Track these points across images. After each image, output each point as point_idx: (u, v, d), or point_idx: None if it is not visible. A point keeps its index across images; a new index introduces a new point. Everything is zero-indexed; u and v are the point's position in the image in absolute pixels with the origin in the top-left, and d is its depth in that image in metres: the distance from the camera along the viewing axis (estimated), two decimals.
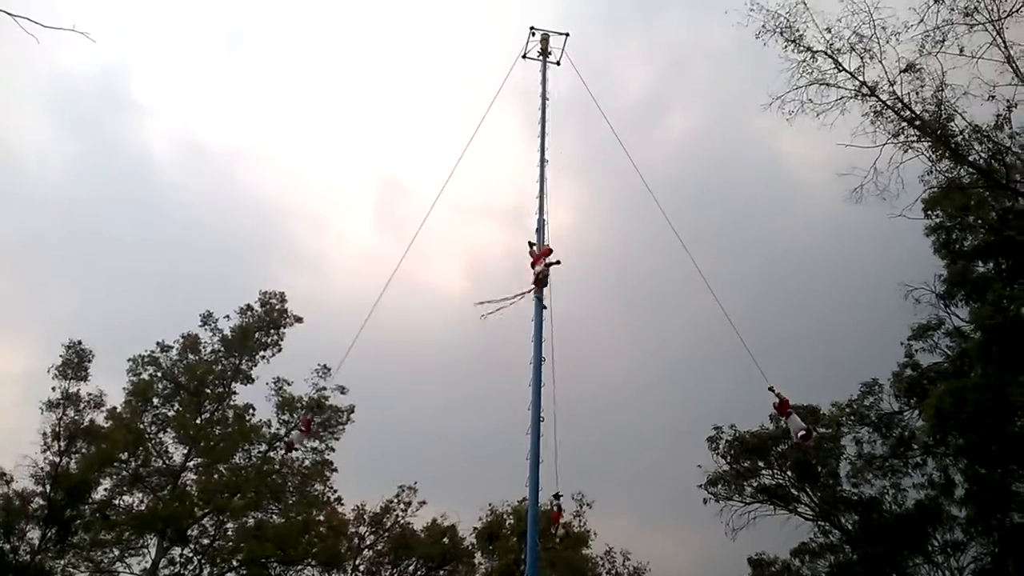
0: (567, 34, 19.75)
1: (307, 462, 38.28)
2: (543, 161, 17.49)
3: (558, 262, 15.66)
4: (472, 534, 41.89)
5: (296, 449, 19.32)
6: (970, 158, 24.41)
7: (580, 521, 41.26)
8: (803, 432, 16.67)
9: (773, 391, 16.42)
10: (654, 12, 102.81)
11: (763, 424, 39.60)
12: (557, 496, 16.47)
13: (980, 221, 31.05)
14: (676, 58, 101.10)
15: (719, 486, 39.36)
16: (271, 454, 38.20)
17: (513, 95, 20.41)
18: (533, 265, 15.77)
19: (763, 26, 24.22)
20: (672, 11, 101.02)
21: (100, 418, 35.89)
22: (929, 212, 30.91)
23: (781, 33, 24.19)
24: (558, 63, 19.59)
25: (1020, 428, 27.66)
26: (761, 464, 39.45)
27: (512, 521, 40.60)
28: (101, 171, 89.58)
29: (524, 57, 19.51)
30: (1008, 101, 23.39)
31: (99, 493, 35.27)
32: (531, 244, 16.17)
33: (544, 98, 18.54)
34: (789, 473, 39.08)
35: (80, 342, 36.07)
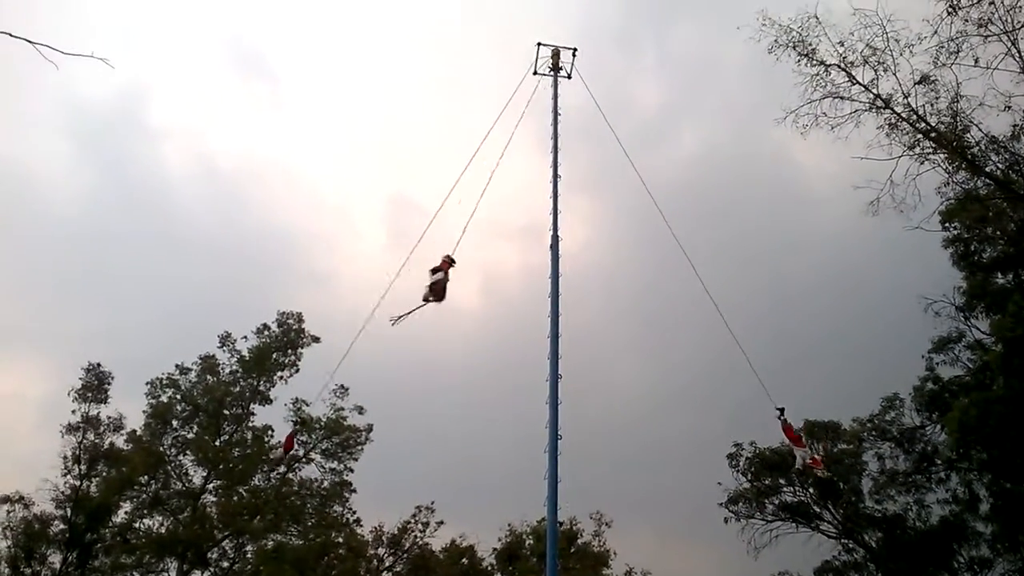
0: (575, 49, 19.76)
1: (326, 483, 38.27)
2: (556, 177, 17.51)
3: (452, 263, 15.92)
4: (492, 555, 41.70)
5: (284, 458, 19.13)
6: (987, 169, 24.24)
7: (599, 540, 40.99)
8: (809, 461, 16.43)
9: (782, 415, 16.32)
10: (666, 28, 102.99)
11: (783, 440, 39.20)
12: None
13: (999, 232, 30.85)
14: (689, 73, 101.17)
15: (740, 504, 39.01)
16: (289, 476, 38.25)
17: (526, 112, 20.48)
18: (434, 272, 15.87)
19: (775, 40, 24.23)
20: (684, 27, 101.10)
21: (120, 441, 36.25)
22: (946, 224, 30.73)
23: (794, 47, 24.17)
24: (569, 76, 19.65)
25: None
26: (782, 481, 39.09)
27: (532, 541, 40.35)
28: (118, 194, 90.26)
29: (535, 73, 19.55)
30: None
31: (120, 516, 35.55)
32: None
33: (556, 113, 18.57)
34: (811, 490, 38.70)
35: (99, 364, 36.50)
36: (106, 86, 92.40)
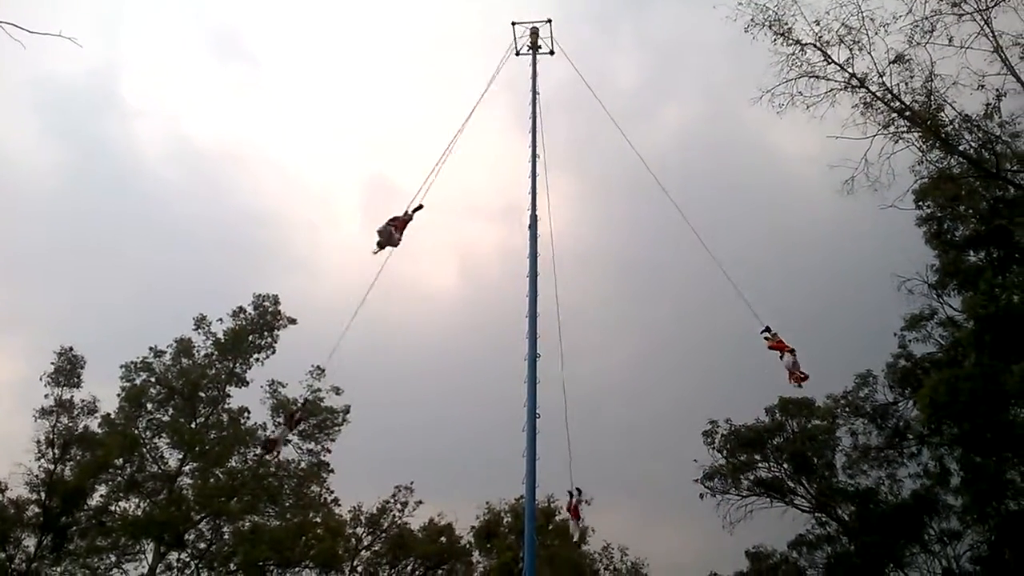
0: (549, 20, 19.62)
1: (303, 464, 38.17)
2: (534, 156, 17.50)
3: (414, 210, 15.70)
4: (470, 533, 41.90)
5: (275, 452, 18.50)
6: (960, 148, 24.38)
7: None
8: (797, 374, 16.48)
9: (768, 333, 16.49)
10: (643, 7, 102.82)
11: (759, 417, 39.73)
12: (577, 492, 16.57)
13: (971, 211, 31.13)
14: (666, 52, 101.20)
15: (716, 480, 39.49)
16: (267, 457, 38.07)
17: (503, 91, 20.34)
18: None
19: (752, 20, 24.21)
20: (661, 6, 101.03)
21: (94, 424, 35.80)
22: (920, 202, 30.95)
23: (770, 26, 24.16)
24: (552, 52, 19.53)
25: (1014, 416, 27.79)
26: (757, 457, 39.59)
27: (510, 519, 40.60)
28: (90, 174, 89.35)
29: (518, 54, 19.42)
30: (997, 90, 23.37)
31: (95, 500, 35.18)
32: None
33: (535, 92, 18.52)
34: (785, 466, 39.22)
35: (72, 348, 36.00)
36: (77, 65, 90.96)
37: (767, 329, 16.70)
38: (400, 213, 15.59)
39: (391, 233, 15.23)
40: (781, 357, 16.36)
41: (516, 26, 19.60)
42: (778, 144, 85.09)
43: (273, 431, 15.58)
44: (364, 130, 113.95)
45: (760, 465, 39.70)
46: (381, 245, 15.16)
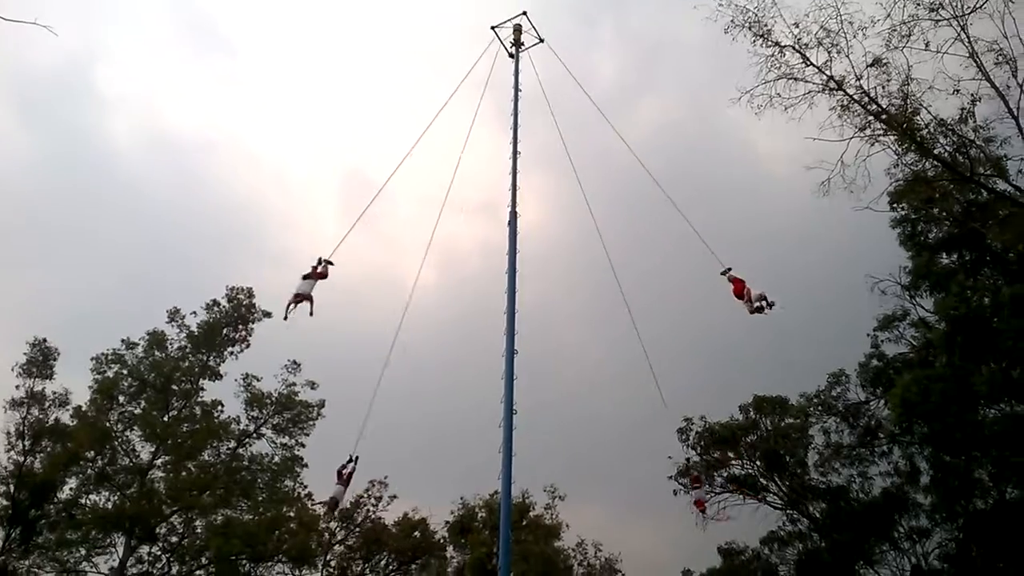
0: (524, 12, 19.58)
1: (276, 458, 37.97)
2: (515, 154, 17.47)
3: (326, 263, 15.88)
4: (444, 528, 41.88)
5: (336, 510, 18.51)
6: (935, 151, 24.65)
7: (552, 514, 41.40)
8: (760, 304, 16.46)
9: (729, 273, 16.51)
10: (623, 6, 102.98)
11: (732, 415, 40.02)
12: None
13: (945, 213, 31.47)
14: (646, 51, 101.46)
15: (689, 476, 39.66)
16: (240, 451, 37.88)
17: (484, 87, 20.28)
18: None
19: (732, 21, 24.33)
20: (641, 4, 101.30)
21: (65, 416, 35.50)
22: (895, 205, 31.23)
23: (750, 28, 24.29)
24: (541, 40, 19.53)
25: (983, 416, 28.19)
26: (731, 455, 39.84)
27: (484, 514, 40.60)
28: (65, 164, 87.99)
29: (511, 56, 19.42)
30: (972, 95, 23.72)
31: (65, 492, 34.93)
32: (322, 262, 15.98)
33: (516, 89, 18.50)
34: (758, 463, 39.51)
35: (45, 339, 35.62)
36: (54, 54, 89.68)
37: (728, 270, 16.73)
38: (315, 265, 15.82)
39: (308, 290, 15.44)
40: (742, 296, 16.30)
41: (497, 29, 19.61)
42: (755, 145, 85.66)
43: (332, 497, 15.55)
44: (342, 123, 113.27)
45: (733, 462, 39.97)
46: (299, 299, 15.42)
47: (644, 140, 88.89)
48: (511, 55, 19.40)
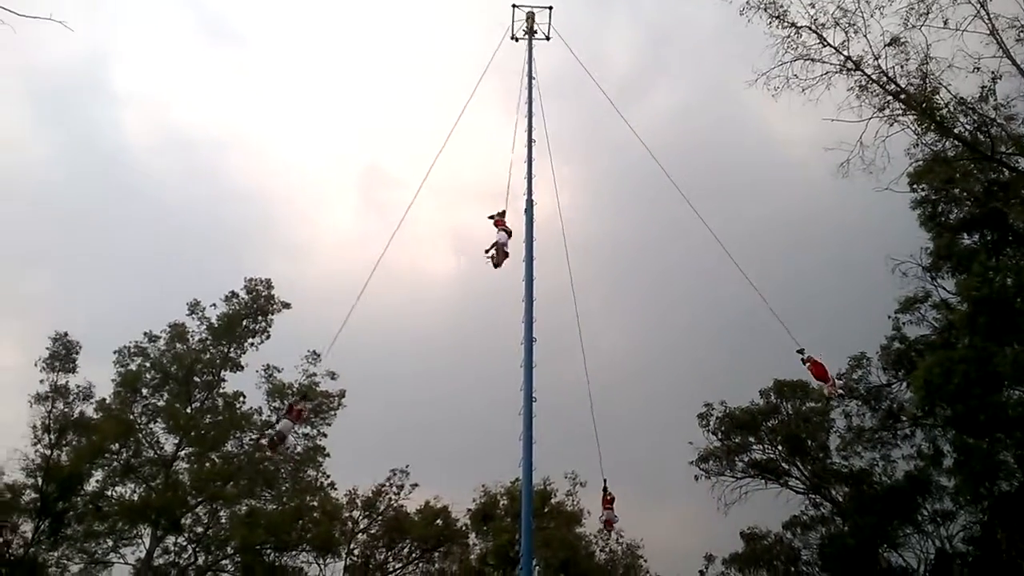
0: (551, 8, 19.49)
1: (299, 448, 38.23)
2: (530, 142, 17.43)
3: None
4: (466, 516, 42.04)
5: (282, 445, 18.59)
6: (955, 130, 24.38)
7: (573, 500, 41.48)
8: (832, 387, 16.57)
9: (803, 355, 16.48)
10: None
11: (753, 400, 39.89)
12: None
13: (965, 193, 31.16)
14: (661, 34, 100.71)
15: (710, 462, 39.66)
16: (263, 441, 38.17)
17: (499, 75, 20.22)
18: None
19: (747, 2, 24.13)
20: None
21: (90, 410, 35.88)
22: (915, 185, 30.96)
23: (765, 9, 24.09)
24: (548, 38, 19.42)
25: (1007, 398, 27.92)
26: (752, 439, 39.74)
27: (506, 502, 40.72)
28: (82, 161, 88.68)
29: (514, 39, 19.31)
30: (993, 73, 23.41)
31: (91, 485, 35.26)
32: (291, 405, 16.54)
33: (531, 77, 18.43)
34: (780, 447, 39.39)
35: (67, 334, 35.97)
36: (67, 50, 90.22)
37: (802, 351, 16.67)
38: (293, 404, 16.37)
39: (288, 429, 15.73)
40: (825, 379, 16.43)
41: (516, 9, 19.49)
42: (773, 127, 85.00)
43: (275, 428, 15.55)
44: (358, 115, 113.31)
45: (754, 447, 39.89)
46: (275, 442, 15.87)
47: (660, 125, 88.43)
48: (514, 38, 19.29)
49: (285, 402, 37.59)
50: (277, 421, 37.63)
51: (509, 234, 15.91)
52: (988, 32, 22.71)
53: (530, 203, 16.45)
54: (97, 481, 35.43)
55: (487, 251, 15.80)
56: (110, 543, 35.34)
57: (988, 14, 22.60)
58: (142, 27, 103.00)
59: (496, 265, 15.68)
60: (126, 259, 78.61)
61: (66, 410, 35.25)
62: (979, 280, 27.25)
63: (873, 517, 35.32)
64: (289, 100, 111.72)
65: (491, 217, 16.20)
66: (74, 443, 34.99)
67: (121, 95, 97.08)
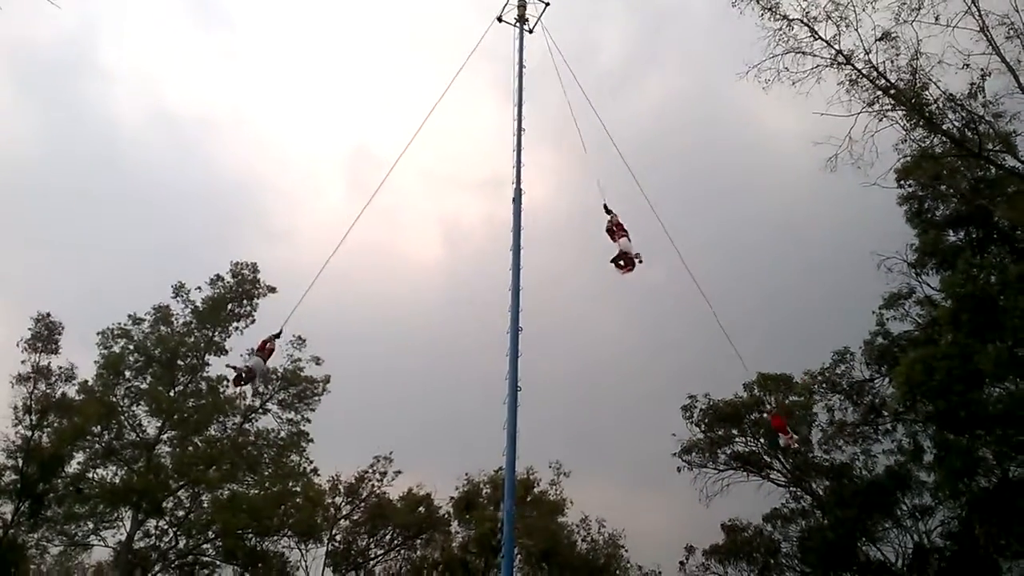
0: (547, 3, 19.26)
1: (282, 433, 38.15)
2: (519, 130, 17.29)
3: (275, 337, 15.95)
4: (449, 503, 42.14)
5: (250, 384, 17.09)
6: (944, 127, 24.37)
7: (556, 490, 41.63)
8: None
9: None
10: None
11: (737, 392, 40.05)
12: None
13: (952, 190, 31.26)
14: (654, 23, 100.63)
15: (693, 454, 39.84)
16: (246, 426, 38.07)
17: (489, 61, 20.09)
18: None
19: None
20: None
21: (72, 391, 35.64)
22: (902, 181, 31.04)
23: (758, 1, 24.00)
24: (531, 31, 19.23)
25: (987, 395, 28.11)
26: (735, 432, 39.92)
27: (489, 490, 40.84)
28: (68, 140, 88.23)
29: (499, 20, 19.10)
30: (982, 70, 23.39)
31: (72, 467, 35.08)
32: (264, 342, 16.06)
33: (520, 65, 18.28)
34: (762, 440, 39.59)
35: (49, 314, 35.66)
36: (55, 28, 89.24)
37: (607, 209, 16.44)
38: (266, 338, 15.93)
39: (259, 368, 15.53)
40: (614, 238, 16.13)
41: None
42: (762, 120, 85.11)
43: (245, 364, 14.94)
44: (345, 99, 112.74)
45: (737, 440, 40.09)
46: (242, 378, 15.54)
47: (653, 109, 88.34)
48: (499, 19, 19.09)
49: (270, 387, 37.55)
50: (262, 406, 37.62)
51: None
52: (978, 29, 22.70)
53: (518, 191, 16.36)
54: (78, 463, 35.25)
55: (617, 260, 15.67)
56: (90, 526, 35.19)
57: (979, 11, 22.60)
58: (130, 6, 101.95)
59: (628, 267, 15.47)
60: (112, 239, 78.06)
61: (48, 391, 35.00)
62: (963, 277, 27.40)
63: (853, 511, 35.59)
64: (277, 81, 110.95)
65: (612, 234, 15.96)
66: (55, 425, 34.75)
67: (110, 72, 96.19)
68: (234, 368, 15.95)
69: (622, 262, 15.60)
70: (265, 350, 15.90)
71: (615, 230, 16.02)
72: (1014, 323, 25.11)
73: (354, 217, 16.74)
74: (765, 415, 37.14)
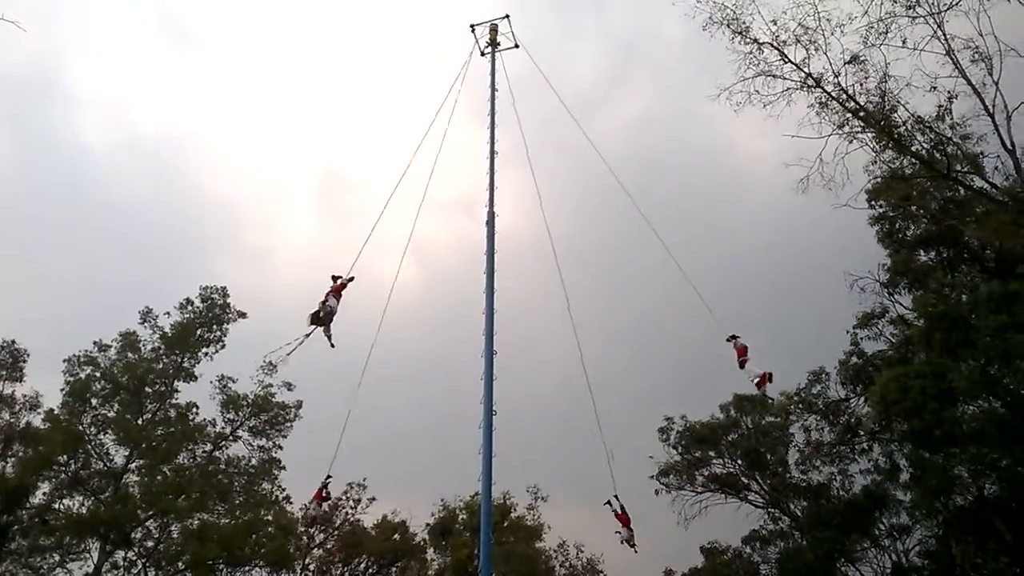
0: (507, 16, 19.47)
1: (254, 461, 37.52)
2: (492, 153, 17.25)
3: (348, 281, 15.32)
4: (424, 530, 41.61)
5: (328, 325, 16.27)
6: (913, 148, 24.69)
7: (534, 515, 41.22)
8: (757, 378, 16.64)
9: (735, 340, 16.51)
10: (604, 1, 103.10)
11: (713, 414, 40.02)
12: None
13: (922, 211, 31.58)
14: (626, 46, 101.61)
15: (671, 476, 39.69)
16: (216, 454, 37.41)
17: (464, 86, 20.04)
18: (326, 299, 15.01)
19: (710, 18, 24.25)
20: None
21: (37, 420, 34.95)
22: (873, 202, 31.33)
23: (728, 25, 24.22)
24: (516, 46, 19.40)
25: (961, 413, 28.24)
26: (712, 454, 39.85)
27: (465, 516, 40.34)
28: (34, 164, 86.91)
29: (483, 55, 19.26)
30: (949, 92, 23.81)
31: (37, 497, 34.23)
32: (334, 277, 15.29)
33: (493, 89, 18.30)
34: (739, 462, 39.55)
35: (14, 341, 35.04)
36: (20, 51, 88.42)
37: (733, 337, 16.74)
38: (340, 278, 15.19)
39: (331, 306, 14.77)
40: (742, 365, 16.44)
41: (474, 29, 19.48)
42: (734, 141, 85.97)
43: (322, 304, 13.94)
44: (316, 121, 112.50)
45: (715, 461, 40.02)
46: (320, 319, 14.68)
47: (624, 130, 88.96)
48: (483, 53, 19.23)
49: (240, 414, 36.96)
50: (232, 432, 36.95)
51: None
52: (945, 52, 23.11)
53: (491, 214, 16.27)
54: (44, 494, 34.41)
55: (754, 380, 16.32)
56: (57, 558, 34.20)
57: (945, 35, 22.99)
58: (97, 28, 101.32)
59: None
60: (78, 264, 76.95)
61: (12, 420, 34.33)
62: (935, 296, 27.60)
63: (831, 531, 35.58)
64: (246, 103, 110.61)
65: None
66: (20, 454, 33.98)
67: (77, 96, 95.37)
68: (316, 312, 14.85)
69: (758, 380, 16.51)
70: (335, 288, 14.97)
71: (740, 356, 16.62)
72: (985, 341, 25.27)
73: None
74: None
